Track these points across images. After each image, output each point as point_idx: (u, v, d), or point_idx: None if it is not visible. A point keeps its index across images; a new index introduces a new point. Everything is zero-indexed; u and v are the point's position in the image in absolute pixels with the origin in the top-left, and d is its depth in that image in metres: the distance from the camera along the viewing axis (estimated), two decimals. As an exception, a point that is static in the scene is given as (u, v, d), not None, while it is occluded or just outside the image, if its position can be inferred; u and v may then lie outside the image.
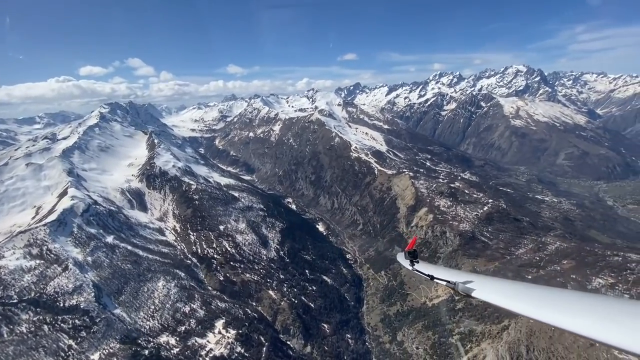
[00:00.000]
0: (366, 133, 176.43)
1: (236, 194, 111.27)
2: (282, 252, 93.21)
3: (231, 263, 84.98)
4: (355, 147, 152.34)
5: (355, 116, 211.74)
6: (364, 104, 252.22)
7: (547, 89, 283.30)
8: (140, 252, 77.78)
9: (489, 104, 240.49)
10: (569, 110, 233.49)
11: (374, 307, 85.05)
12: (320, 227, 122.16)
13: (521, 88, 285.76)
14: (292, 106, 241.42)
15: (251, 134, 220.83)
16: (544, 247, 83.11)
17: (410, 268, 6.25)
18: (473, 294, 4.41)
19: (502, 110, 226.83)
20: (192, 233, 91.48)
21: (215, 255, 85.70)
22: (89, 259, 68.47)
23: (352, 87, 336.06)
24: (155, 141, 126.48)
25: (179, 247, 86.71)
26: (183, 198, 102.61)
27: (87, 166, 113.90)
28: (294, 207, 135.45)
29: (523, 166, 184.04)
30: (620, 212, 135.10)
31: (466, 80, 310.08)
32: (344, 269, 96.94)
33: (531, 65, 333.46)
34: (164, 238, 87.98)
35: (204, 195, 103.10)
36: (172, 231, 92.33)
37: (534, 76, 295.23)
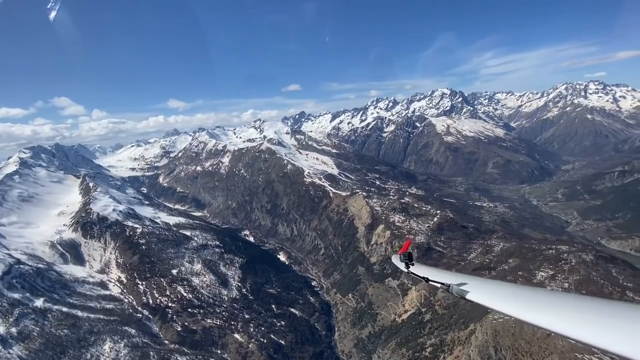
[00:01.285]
0: (317, 158, 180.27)
1: (188, 233, 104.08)
2: (244, 290, 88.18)
3: (189, 310, 77.79)
4: (309, 173, 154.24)
5: (304, 143, 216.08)
6: (311, 131, 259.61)
7: (469, 107, 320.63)
8: (79, 313, 67.50)
9: (423, 124, 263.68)
10: (489, 125, 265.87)
11: (346, 332, 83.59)
12: (282, 257, 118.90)
13: (448, 108, 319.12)
14: (240, 137, 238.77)
15: (199, 168, 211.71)
16: (491, 249, 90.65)
17: (405, 270, 6.34)
18: (467, 296, 4.43)
19: (435, 129, 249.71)
20: (140, 282, 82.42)
21: (169, 304, 77.85)
22: (13, 330, 57.42)
23: (297, 116, 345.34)
24: (91, 185, 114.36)
25: (126, 300, 77.19)
26: (127, 244, 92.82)
27: (5, 220, 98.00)
28: (252, 239, 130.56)
29: (460, 177, 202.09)
30: (544, 209, 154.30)
31: (400, 104, 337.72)
32: (311, 298, 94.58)
33: (453, 88, 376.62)
34: (107, 292, 77.77)
35: (151, 238, 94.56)
36: (117, 283, 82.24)
37: (456, 97, 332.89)
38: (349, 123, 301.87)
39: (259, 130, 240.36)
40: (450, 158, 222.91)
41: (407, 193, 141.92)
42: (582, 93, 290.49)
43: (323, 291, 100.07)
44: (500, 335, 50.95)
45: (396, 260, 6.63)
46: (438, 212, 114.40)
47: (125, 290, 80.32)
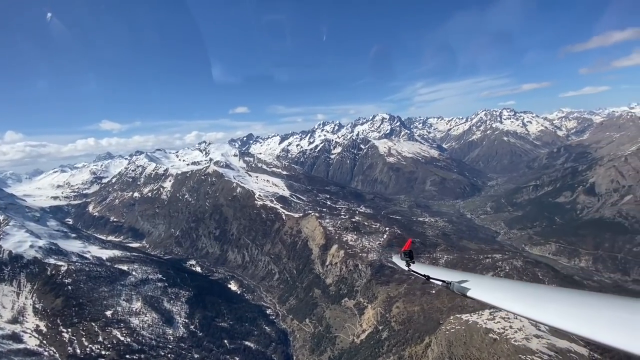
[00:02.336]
0: (267, 180, 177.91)
1: (125, 267, 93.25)
2: (192, 326, 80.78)
3: (127, 356, 68.45)
4: (259, 195, 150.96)
5: (253, 165, 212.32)
6: (260, 153, 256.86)
7: (406, 131, 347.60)
8: (-19, 377, 55.07)
9: (367, 146, 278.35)
10: (425, 147, 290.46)
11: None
12: (233, 286, 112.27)
13: (388, 131, 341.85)
14: (184, 160, 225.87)
15: (136, 194, 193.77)
16: (437, 262, 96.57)
17: (406, 269, 6.37)
18: (468, 294, 4.44)
19: (378, 151, 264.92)
20: (65, 330, 70.72)
21: (103, 352, 67.73)
22: None
23: (245, 138, 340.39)
24: (1, 218, 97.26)
25: (46, 352, 65.28)
26: (49, 286, 79.69)
27: None
28: (199, 269, 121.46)
29: (403, 195, 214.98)
30: (477, 221, 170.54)
31: (345, 127, 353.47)
32: (266, 328, 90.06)
33: (391, 113, 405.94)
34: (21, 346, 65.00)
35: (79, 276, 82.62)
36: (35, 333, 69.40)
37: (395, 122, 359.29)
38: (297, 145, 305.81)
39: (204, 152, 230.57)
40: (393, 177, 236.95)
41: (357, 212, 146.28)
42: (498, 118, 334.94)
43: (279, 319, 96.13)
44: (454, 345, 53.67)
45: (397, 259, 6.63)
46: (387, 229, 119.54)
47: (45, 342, 68.01)
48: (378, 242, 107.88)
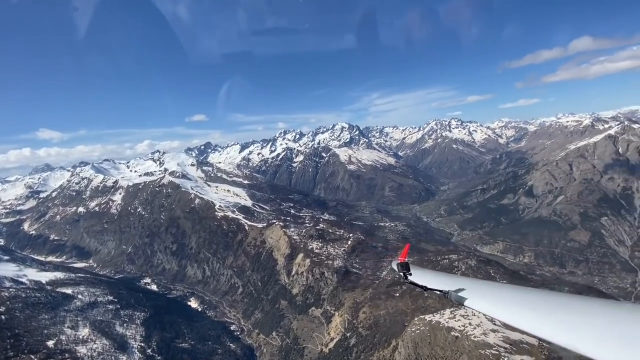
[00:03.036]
0: (228, 190, 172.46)
1: (69, 291, 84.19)
2: (149, 350, 74.91)
3: (73, 390, 61.50)
4: (220, 206, 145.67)
5: (212, 175, 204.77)
6: (219, 162, 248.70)
7: (365, 139, 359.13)
8: None
9: (328, 154, 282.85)
10: (383, 155, 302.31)
11: (273, 375, 78.48)
12: (194, 303, 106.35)
13: (347, 140, 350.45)
14: (136, 171, 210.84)
15: (81, 209, 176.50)
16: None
17: (403, 281, 6.16)
18: (465, 303, 4.29)
19: (339, 159, 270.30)
20: (-5, 368, 61.60)
21: (43, 389, 60.11)
22: None
23: (202, 147, 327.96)
24: None
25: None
26: (-28, 318, 69.10)
27: None
28: (154, 287, 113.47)
29: (364, 201, 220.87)
30: (432, 224, 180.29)
31: (307, 136, 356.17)
32: (231, 345, 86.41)
33: (350, 122, 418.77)
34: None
35: (14, 304, 72.90)
36: (-46, 377, 59.52)
37: (354, 130, 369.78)
38: (259, 154, 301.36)
39: (158, 162, 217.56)
40: (354, 184, 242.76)
41: (321, 219, 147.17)
42: (448, 128, 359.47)
43: (244, 334, 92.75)
44: (420, 346, 55.79)
45: (395, 266, 6.42)
46: (351, 235, 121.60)
47: (-32, 385, 58.62)
48: (343, 249, 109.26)
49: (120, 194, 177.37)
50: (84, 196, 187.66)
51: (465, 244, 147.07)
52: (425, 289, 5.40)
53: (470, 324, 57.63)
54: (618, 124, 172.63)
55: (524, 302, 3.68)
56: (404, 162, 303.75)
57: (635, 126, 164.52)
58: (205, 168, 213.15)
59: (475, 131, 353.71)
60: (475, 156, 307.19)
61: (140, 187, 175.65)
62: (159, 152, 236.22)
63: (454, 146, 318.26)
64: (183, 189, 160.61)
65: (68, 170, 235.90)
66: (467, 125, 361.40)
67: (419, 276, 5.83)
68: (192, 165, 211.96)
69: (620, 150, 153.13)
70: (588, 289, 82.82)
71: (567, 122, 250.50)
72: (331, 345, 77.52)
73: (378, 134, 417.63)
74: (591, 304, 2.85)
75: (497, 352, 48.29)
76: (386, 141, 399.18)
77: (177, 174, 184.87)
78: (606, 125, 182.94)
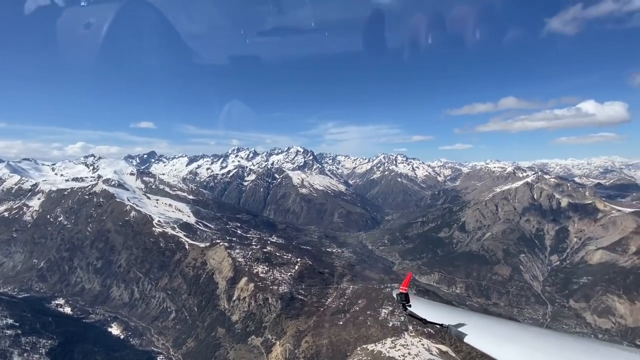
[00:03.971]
0: (170, 205, 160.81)
1: (-48, 313, 69.24)
2: (54, 386, 63.72)
3: None
4: (159, 221, 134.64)
5: (154, 187, 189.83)
6: (163, 174, 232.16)
7: (318, 165, 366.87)
8: None
9: (281, 176, 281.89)
10: (334, 181, 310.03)
11: (202, 412, 71.35)
12: (116, 330, 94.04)
13: (301, 164, 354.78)
14: (62, 174, 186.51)
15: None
16: (344, 293, 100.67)
17: (403, 312, 6.09)
18: (465, 340, 4.23)
19: (291, 181, 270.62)
20: None
21: None
22: None
23: (146, 156, 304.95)
24: None
25: None
26: None
27: None
28: (68, 310, 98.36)
29: (313, 226, 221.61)
30: (377, 252, 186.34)
31: (260, 156, 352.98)
32: (156, 377, 77.33)
33: (305, 147, 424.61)
34: None
35: None
36: None
37: (308, 155, 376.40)
38: (208, 169, 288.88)
39: (91, 167, 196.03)
40: (305, 208, 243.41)
41: (269, 242, 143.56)
42: (394, 162, 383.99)
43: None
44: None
45: (395, 296, 6.37)
46: (298, 259, 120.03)
47: None
48: (289, 274, 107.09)
49: (39, 199, 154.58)
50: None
51: (405, 274, 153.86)
52: (424, 321, 5.42)
53: (409, 353, 59.60)
54: (534, 174, 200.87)
55: (527, 342, 3.66)
56: (354, 191, 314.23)
57: (547, 177, 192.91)
58: (146, 179, 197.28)
59: (418, 168, 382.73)
60: (417, 190, 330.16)
61: (65, 193, 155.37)
62: (94, 157, 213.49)
63: (399, 180, 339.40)
64: (118, 200, 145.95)
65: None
66: (411, 162, 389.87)
67: (419, 307, 5.83)
68: (132, 174, 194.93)
69: (535, 196, 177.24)
70: (509, 319, 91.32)
71: (494, 167, 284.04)
72: (270, 375, 73.65)
73: (331, 161, 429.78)
74: (592, 345, 2.99)
75: (433, 382, 50.33)
76: (338, 169, 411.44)
77: (113, 183, 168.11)
78: (524, 174, 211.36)
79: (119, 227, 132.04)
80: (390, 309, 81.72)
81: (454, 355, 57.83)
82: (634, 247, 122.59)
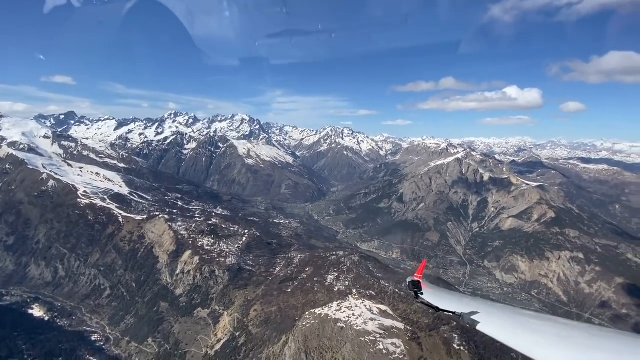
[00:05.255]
0: (97, 173, 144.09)
1: None
2: (-37, 378, 56.22)
3: None
4: (86, 192, 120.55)
5: (75, 152, 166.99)
6: (87, 138, 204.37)
7: (265, 135, 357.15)
8: None
9: (225, 145, 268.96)
10: (282, 152, 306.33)
11: (146, 387, 69.87)
12: (38, 311, 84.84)
13: (247, 133, 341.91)
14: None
15: None
16: (292, 262, 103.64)
17: (415, 300, 6.17)
18: (478, 327, 4.22)
19: (237, 151, 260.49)
20: None
21: None
22: None
23: (63, 116, 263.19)
24: None
25: None
26: None
27: None
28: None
29: (260, 197, 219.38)
30: (322, 222, 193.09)
31: (202, 122, 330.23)
32: (91, 358, 72.88)
33: (251, 115, 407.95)
34: None
35: None
36: None
37: (255, 124, 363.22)
38: (141, 134, 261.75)
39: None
40: (252, 179, 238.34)
41: (214, 214, 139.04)
42: (341, 135, 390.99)
43: (110, 344, 79.39)
44: (309, 339, 59.21)
45: (408, 283, 6.31)
46: (246, 231, 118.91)
47: None
48: (237, 245, 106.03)
49: None
50: None
51: (348, 241, 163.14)
52: (436, 309, 5.45)
53: (353, 314, 64.52)
54: (463, 150, 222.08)
55: (539, 331, 3.71)
56: (301, 163, 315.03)
57: (474, 153, 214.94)
58: (65, 143, 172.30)
59: (363, 142, 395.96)
60: (361, 164, 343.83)
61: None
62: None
63: (345, 153, 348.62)
64: (30, 167, 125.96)
65: None
66: (356, 136, 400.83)
67: (432, 295, 5.91)
68: (46, 137, 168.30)
69: (463, 170, 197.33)
70: (437, 279, 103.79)
71: (430, 143, 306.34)
72: (218, 347, 74.27)
73: (278, 131, 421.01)
74: (610, 335, 3.14)
75: (374, 338, 55.70)
76: (285, 140, 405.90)
77: (22, 147, 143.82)
78: (455, 150, 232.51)
79: (33, 198, 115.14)
80: (336, 274, 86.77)
81: (392, 313, 64.28)
82: (536, 215, 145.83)
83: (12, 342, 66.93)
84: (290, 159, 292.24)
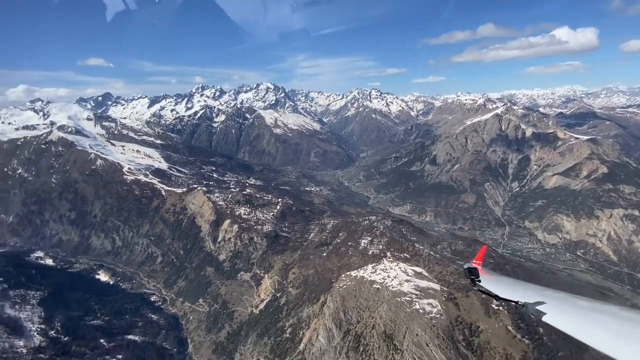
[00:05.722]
0: (138, 151, 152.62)
1: None
2: (52, 332, 65.99)
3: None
4: (130, 169, 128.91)
5: (116, 132, 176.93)
6: (124, 118, 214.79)
7: (290, 103, 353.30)
8: None
9: (253, 116, 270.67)
10: (308, 120, 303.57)
11: (201, 341, 78.03)
12: (104, 277, 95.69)
13: (273, 102, 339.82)
14: (11, 123, 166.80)
15: None
16: (325, 227, 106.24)
17: (473, 287, 5.83)
18: (544, 319, 3.96)
19: (264, 121, 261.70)
20: None
21: None
22: None
23: (100, 98, 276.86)
24: None
25: None
26: None
27: None
28: (50, 262, 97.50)
29: (289, 166, 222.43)
30: (353, 188, 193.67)
31: (228, 94, 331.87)
32: (152, 316, 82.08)
33: (276, 83, 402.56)
34: None
35: None
36: None
37: (280, 92, 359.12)
38: (172, 110, 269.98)
39: (41, 114, 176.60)
40: (280, 149, 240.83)
41: (247, 184, 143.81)
42: (368, 97, 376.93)
43: (167, 304, 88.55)
44: (346, 299, 61.90)
45: (465, 269, 6.08)
46: (279, 200, 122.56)
47: None
48: (272, 213, 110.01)
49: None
50: None
51: (380, 206, 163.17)
52: (496, 297, 5.20)
53: (388, 276, 65.94)
54: (503, 105, 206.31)
55: (611, 325, 3.41)
56: (328, 129, 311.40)
57: (515, 107, 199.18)
58: (106, 124, 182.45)
59: (392, 103, 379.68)
60: (391, 126, 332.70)
61: (18, 143, 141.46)
62: (42, 101, 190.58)
63: (373, 116, 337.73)
64: (80, 148, 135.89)
65: None
66: (385, 97, 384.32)
67: (491, 283, 5.54)
68: (89, 119, 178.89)
69: (502, 127, 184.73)
70: (474, 241, 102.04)
71: (465, 100, 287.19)
72: (262, 306, 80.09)
73: (303, 98, 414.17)
74: None
75: (410, 299, 57.00)
76: (311, 106, 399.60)
77: (70, 130, 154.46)
78: (494, 105, 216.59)
79: (86, 177, 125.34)
80: (369, 238, 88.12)
81: (427, 275, 64.91)
82: (585, 171, 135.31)
83: (86, 302, 76.74)
84: (317, 126, 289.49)
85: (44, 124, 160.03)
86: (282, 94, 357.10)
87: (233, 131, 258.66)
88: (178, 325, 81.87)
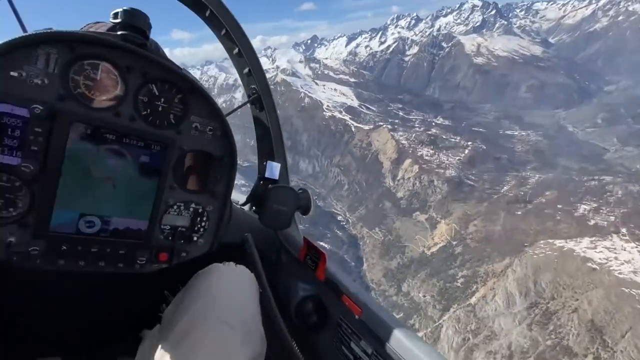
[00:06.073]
0: (335, 89, 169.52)
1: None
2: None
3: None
4: (328, 106, 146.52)
5: (319, 72, 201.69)
6: (326, 58, 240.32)
7: (503, 22, 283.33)
8: None
9: (450, 44, 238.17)
10: (525, 42, 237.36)
11: (374, 263, 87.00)
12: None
13: (478, 24, 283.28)
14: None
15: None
16: (525, 182, 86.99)
17: None
18: None
19: (463, 50, 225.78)
20: None
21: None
22: None
23: (309, 41, 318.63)
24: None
25: None
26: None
27: None
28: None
29: (488, 103, 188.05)
30: (580, 136, 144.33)
31: (424, 21, 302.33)
32: (338, 232, 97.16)
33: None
34: None
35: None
36: None
37: (489, 10, 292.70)
38: (366, 46, 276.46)
39: (271, 59, 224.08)
40: (479, 82, 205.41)
41: (434, 124, 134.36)
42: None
43: (349, 225, 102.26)
44: (541, 270, 50.47)
45: None
46: (469, 143, 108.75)
47: None
48: (458, 158, 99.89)
49: (240, 91, 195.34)
50: (212, 93, 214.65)
51: (623, 164, 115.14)
52: None
53: (616, 258, 48.37)
54: None
55: None
56: (555, 53, 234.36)
57: None
58: (312, 65, 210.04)
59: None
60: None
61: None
62: (271, 49, 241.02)
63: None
64: (294, 88, 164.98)
65: (198, 69, 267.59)
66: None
67: None
68: (300, 62, 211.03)
69: None
70: None
71: None
72: (434, 249, 78.67)
73: (523, 13, 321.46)
74: None
75: (651, 298, 39.81)
76: (533, 23, 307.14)
77: (288, 72, 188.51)
78: None
79: (297, 112, 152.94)
80: (594, 205, 65.37)
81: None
82: None
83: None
84: (538, 50, 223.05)
85: (272, 68, 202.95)
86: (493, 11, 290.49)
87: (425, 64, 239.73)
88: (357, 244, 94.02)
